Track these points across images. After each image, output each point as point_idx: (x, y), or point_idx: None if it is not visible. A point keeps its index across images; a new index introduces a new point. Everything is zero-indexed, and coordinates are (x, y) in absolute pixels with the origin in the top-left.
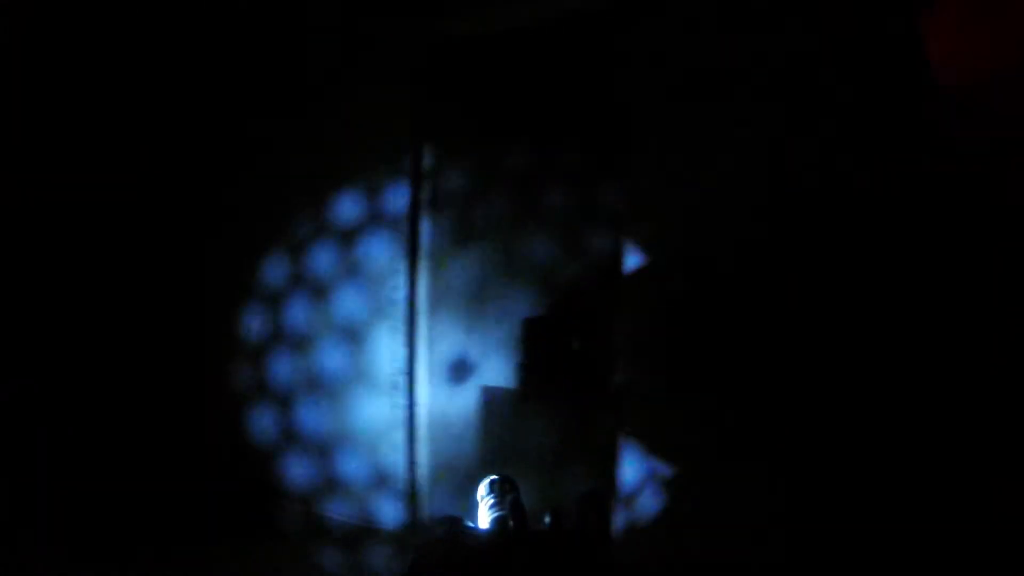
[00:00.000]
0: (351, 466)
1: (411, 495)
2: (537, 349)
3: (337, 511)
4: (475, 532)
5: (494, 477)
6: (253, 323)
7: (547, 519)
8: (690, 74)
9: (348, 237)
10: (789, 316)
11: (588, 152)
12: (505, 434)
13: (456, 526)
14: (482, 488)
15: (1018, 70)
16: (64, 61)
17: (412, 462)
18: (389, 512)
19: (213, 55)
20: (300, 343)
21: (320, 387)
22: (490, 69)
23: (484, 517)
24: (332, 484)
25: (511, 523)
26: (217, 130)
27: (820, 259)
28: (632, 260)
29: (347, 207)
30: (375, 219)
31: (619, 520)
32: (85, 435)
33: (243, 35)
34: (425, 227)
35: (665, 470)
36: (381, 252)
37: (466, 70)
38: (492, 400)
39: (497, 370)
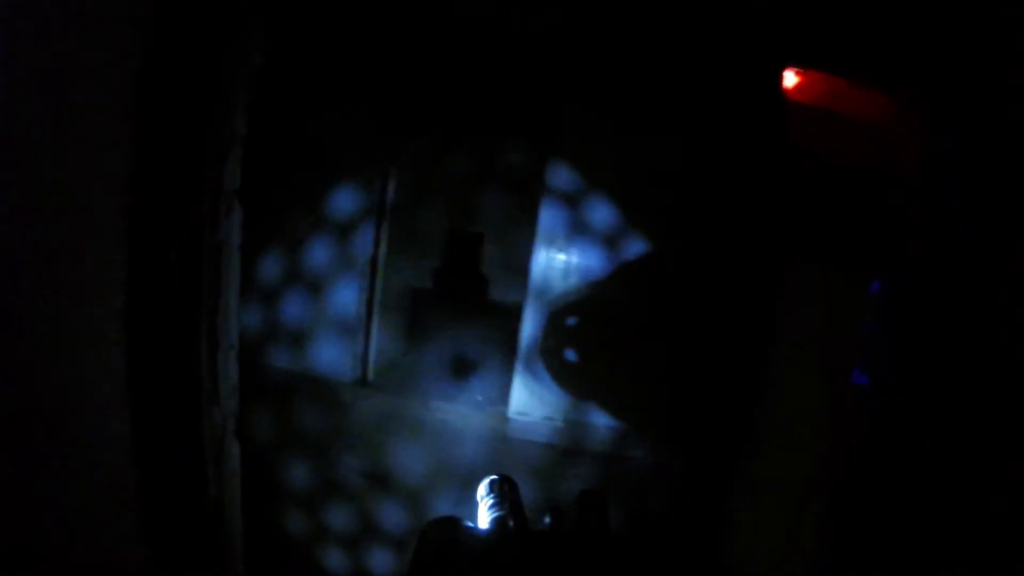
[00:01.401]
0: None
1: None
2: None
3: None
4: (475, 532)
5: (494, 477)
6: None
7: (547, 519)
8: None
9: None
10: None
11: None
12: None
13: (456, 526)
14: (482, 488)
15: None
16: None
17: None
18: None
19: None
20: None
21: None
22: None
23: (484, 517)
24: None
25: (511, 523)
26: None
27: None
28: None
29: None
30: None
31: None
32: None
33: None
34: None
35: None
36: None
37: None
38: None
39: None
